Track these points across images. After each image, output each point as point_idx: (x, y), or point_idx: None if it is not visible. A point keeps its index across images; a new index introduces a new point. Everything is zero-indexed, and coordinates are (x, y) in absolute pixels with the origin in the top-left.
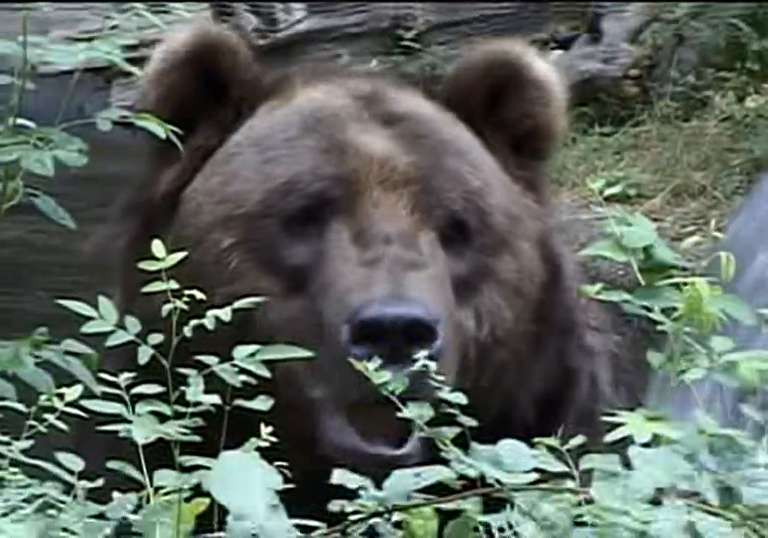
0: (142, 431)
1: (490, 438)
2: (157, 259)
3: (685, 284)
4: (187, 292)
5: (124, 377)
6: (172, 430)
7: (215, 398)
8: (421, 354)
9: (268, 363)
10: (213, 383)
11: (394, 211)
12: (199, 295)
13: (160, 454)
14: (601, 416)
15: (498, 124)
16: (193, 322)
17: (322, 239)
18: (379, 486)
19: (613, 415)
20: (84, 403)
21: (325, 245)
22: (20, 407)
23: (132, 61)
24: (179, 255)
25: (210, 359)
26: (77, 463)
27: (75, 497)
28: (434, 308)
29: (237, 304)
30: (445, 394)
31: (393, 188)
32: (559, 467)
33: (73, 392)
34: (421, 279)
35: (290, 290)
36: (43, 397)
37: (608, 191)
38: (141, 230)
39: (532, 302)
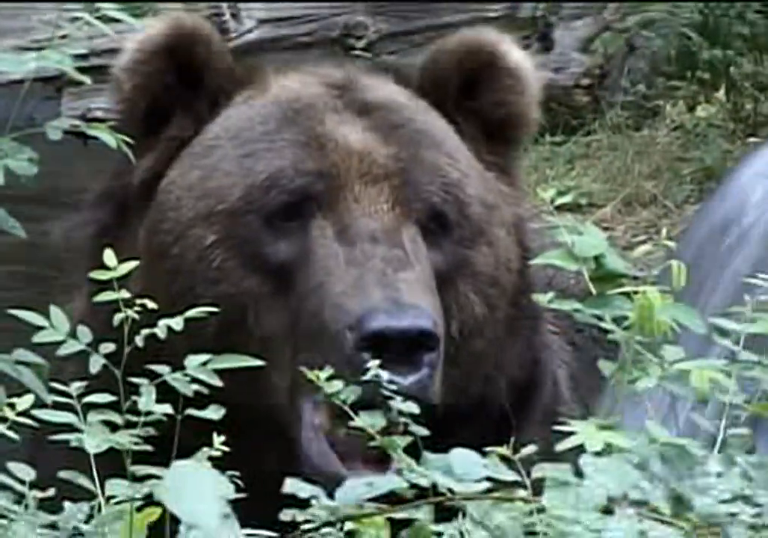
0: (94, 441)
1: (470, 423)
2: (108, 268)
3: (636, 292)
4: (138, 301)
5: (75, 386)
6: (124, 439)
7: (167, 408)
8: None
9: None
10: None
11: (376, 206)
12: (151, 305)
13: (120, 463)
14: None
15: (471, 112)
16: (145, 331)
17: (305, 236)
18: (330, 495)
19: (566, 424)
20: (36, 413)
21: (310, 242)
22: None
23: (83, 70)
24: (131, 264)
25: (162, 369)
26: (29, 473)
27: (27, 507)
28: (434, 316)
29: (190, 312)
30: (398, 403)
31: (374, 182)
32: (510, 476)
33: (24, 402)
34: (413, 281)
35: (277, 289)
36: None
37: (559, 200)
38: (113, 218)
39: (509, 288)
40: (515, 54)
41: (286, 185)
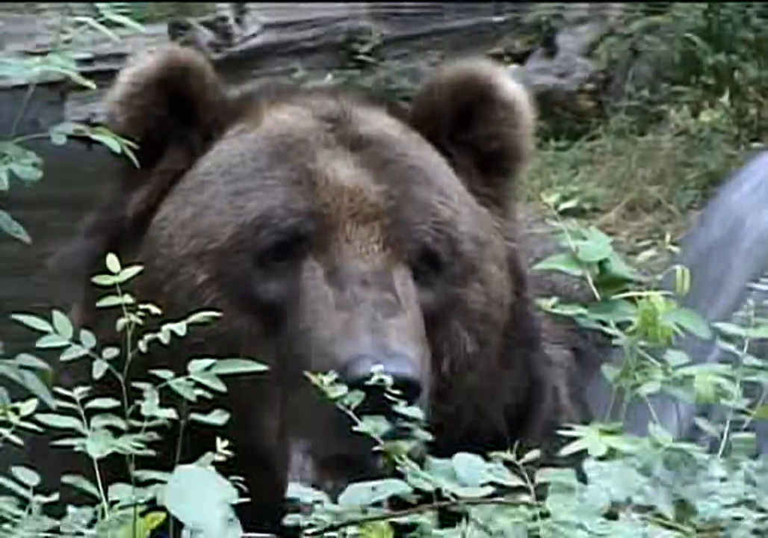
0: (97, 446)
1: (462, 450)
2: (112, 273)
3: (640, 297)
4: (142, 306)
5: (79, 392)
6: (127, 444)
7: (170, 412)
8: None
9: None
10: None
11: (367, 247)
12: (154, 309)
13: (119, 468)
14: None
15: (465, 144)
16: (149, 336)
17: (296, 276)
18: (334, 500)
19: (569, 429)
20: (39, 417)
21: (300, 283)
22: None
23: (87, 74)
24: (135, 269)
25: (165, 373)
26: (32, 477)
27: (30, 511)
28: (420, 364)
29: (193, 318)
30: (402, 408)
31: (365, 222)
32: (514, 481)
33: (28, 407)
34: (402, 327)
35: (268, 329)
36: None
37: (563, 205)
38: (105, 249)
39: (501, 323)
40: (510, 86)
41: (277, 225)
